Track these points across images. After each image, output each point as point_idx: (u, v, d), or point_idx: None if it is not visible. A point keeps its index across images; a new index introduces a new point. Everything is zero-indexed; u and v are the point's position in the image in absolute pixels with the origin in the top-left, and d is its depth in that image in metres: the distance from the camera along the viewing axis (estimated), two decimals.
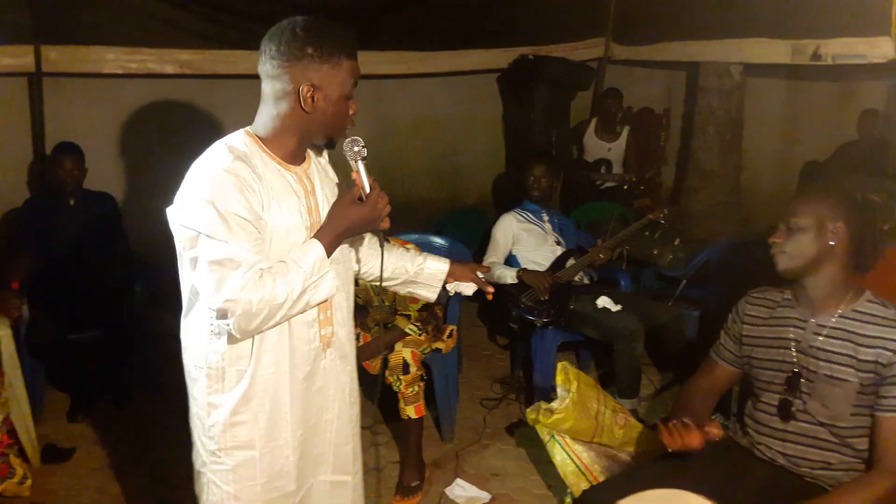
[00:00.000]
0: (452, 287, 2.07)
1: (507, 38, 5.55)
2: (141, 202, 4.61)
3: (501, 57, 5.64)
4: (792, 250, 1.93)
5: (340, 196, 1.69)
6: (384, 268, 1.89)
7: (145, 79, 4.55)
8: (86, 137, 3.87)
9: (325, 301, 1.66)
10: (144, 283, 3.74)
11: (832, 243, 1.89)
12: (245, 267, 1.50)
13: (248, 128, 1.67)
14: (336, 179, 1.85)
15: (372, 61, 5.12)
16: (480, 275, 2.08)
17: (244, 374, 1.64)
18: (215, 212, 1.49)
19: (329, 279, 1.60)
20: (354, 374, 1.91)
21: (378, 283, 1.95)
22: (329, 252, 1.61)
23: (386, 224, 1.66)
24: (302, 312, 1.62)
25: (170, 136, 4.71)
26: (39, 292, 3.49)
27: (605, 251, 3.68)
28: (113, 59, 4.36)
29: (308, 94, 1.57)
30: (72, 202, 3.68)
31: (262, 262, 1.54)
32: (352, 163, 1.64)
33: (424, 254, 2.06)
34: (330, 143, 1.72)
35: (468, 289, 2.09)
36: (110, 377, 3.70)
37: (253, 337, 1.60)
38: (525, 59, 5.53)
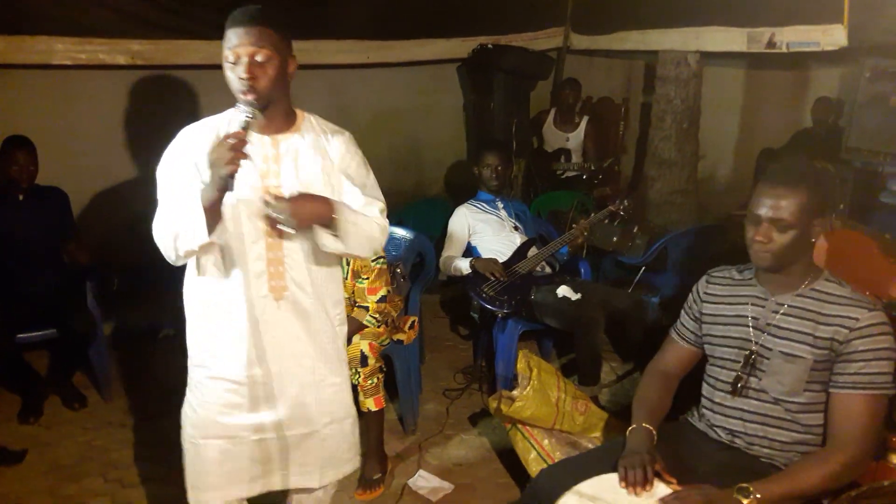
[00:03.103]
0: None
1: (466, 27, 5.52)
2: (93, 197, 4.51)
3: (461, 46, 5.61)
4: (778, 250, 1.90)
5: None
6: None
7: (96, 70, 4.43)
8: (34, 131, 3.73)
9: (207, 246, 1.79)
10: (97, 281, 3.65)
11: (814, 241, 1.91)
12: (162, 208, 1.85)
13: None
14: (338, 157, 2.00)
15: (330, 50, 5.06)
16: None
17: (204, 302, 1.94)
18: (161, 163, 1.90)
19: (194, 225, 1.75)
20: (328, 335, 2.05)
21: None
22: (204, 199, 1.73)
23: (227, 170, 1.68)
24: (194, 251, 1.80)
25: (122, 129, 4.61)
26: None
27: (582, 230, 3.71)
28: (62, 49, 4.22)
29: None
30: (21, 198, 3.56)
31: (175, 206, 1.80)
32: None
33: None
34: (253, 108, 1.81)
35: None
36: (62, 378, 3.61)
37: (217, 272, 1.90)
38: (485, 48, 5.51)
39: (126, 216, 4.61)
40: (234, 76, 1.79)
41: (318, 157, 1.96)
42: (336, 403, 2.11)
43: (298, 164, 1.92)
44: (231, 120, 1.89)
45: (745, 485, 1.75)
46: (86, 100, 4.57)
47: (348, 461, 2.19)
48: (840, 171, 4.09)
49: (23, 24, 4.08)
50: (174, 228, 1.78)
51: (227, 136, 1.70)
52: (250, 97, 1.78)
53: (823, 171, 1.99)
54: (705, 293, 2.15)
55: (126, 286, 3.53)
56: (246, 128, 1.74)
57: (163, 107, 4.53)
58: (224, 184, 1.71)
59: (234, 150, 1.68)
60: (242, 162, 1.74)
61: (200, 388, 1.99)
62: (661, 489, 1.85)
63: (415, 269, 3.72)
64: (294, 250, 1.92)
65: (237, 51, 1.77)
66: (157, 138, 1.99)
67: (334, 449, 2.13)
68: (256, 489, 2.08)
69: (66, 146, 4.48)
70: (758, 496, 1.73)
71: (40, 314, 3.42)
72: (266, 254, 1.89)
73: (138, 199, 4.45)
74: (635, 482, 1.84)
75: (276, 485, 2.09)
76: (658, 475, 1.87)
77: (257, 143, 1.87)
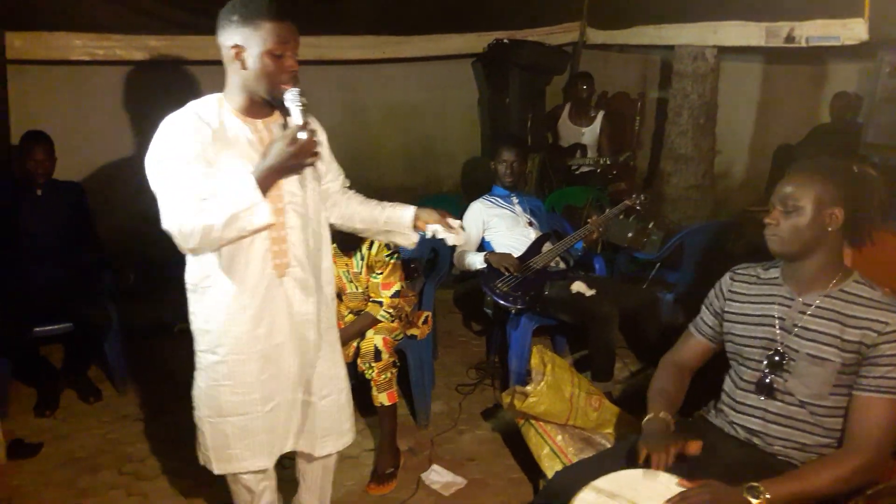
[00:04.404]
0: (431, 231, 2.24)
1: (481, 22, 5.52)
2: (110, 192, 4.54)
3: (476, 41, 5.60)
4: (787, 234, 1.89)
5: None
6: (349, 216, 2.27)
7: (113, 65, 4.46)
8: (52, 126, 3.77)
9: (267, 227, 1.89)
10: (113, 275, 3.67)
11: (830, 229, 1.87)
12: (182, 196, 1.82)
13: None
14: (319, 135, 2.04)
15: (345, 46, 5.07)
16: (451, 222, 2.24)
17: (209, 289, 1.99)
18: (163, 153, 1.86)
19: (262, 208, 1.83)
20: (325, 309, 2.17)
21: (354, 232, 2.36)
22: (262, 184, 1.83)
23: (312, 160, 1.88)
24: (243, 236, 1.88)
25: (139, 124, 4.64)
26: (4, 285, 3.43)
27: (597, 226, 3.68)
28: (80, 45, 4.27)
29: (233, 54, 1.88)
30: (39, 192, 3.59)
31: (200, 191, 1.83)
32: (290, 109, 1.88)
33: (392, 203, 2.30)
34: (274, 99, 1.92)
35: (447, 236, 2.22)
36: (77, 371, 3.64)
37: (218, 259, 1.95)
38: (500, 43, 5.49)
39: (142, 210, 4.61)
40: (279, 67, 1.87)
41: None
42: (331, 378, 2.22)
43: None
44: (207, 105, 1.96)
45: (755, 484, 1.73)
46: (103, 95, 4.62)
47: (347, 432, 2.31)
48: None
49: (41, 21, 4.12)
50: (222, 215, 1.81)
51: (301, 128, 1.83)
52: (295, 86, 1.89)
53: (859, 171, 1.93)
54: (729, 291, 2.11)
55: (141, 280, 3.56)
56: (306, 118, 1.87)
57: (180, 103, 4.51)
58: (299, 171, 1.92)
59: (313, 143, 1.85)
60: (243, 148, 1.92)
61: (211, 371, 2.06)
62: (673, 484, 1.83)
63: (429, 264, 3.72)
64: (294, 230, 2.02)
65: (287, 46, 1.87)
66: None
67: (332, 421, 2.24)
68: (275, 455, 2.18)
69: (83, 141, 4.52)
70: (767, 496, 1.71)
71: (56, 308, 3.44)
72: (270, 233, 1.98)
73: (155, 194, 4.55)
74: (659, 462, 1.84)
75: (289, 447, 2.21)
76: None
77: (250, 126, 1.97)
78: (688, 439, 1.90)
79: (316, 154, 1.88)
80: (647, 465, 1.87)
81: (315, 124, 2.08)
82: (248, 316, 2.00)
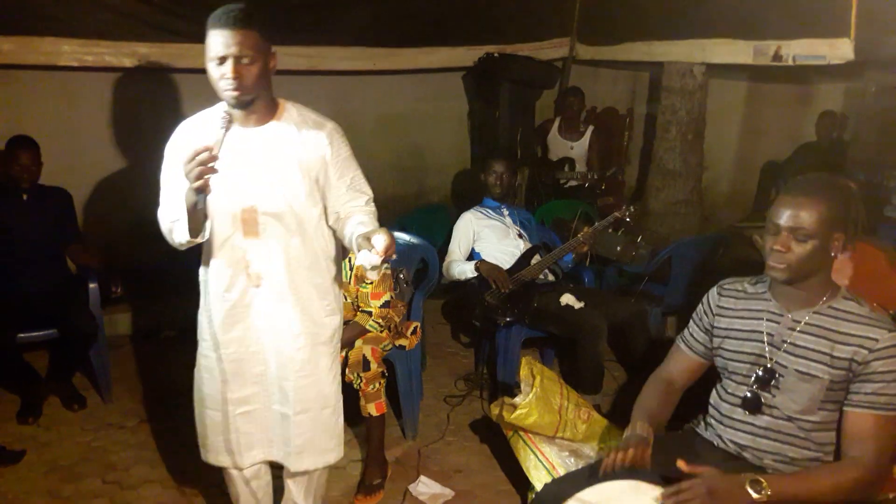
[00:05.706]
0: (359, 263, 1.82)
1: (472, 36, 5.54)
2: (97, 199, 4.52)
3: (467, 55, 5.62)
4: (796, 261, 1.84)
5: None
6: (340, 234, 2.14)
7: (102, 72, 4.44)
8: (39, 131, 3.74)
9: (191, 243, 1.96)
10: (99, 282, 3.64)
11: (833, 255, 1.86)
12: (161, 201, 2.03)
13: None
14: (323, 150, 2.05)
15: (336, 57, 5.08)
16: (374, 241, 1.77)
17: (204, 284, 2.13)
18: (165, 157, 2.04)
19: (179, 225, 1.93)
20: (310, 325, 2.15)
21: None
22: (187, 202, 1.85)
23: (197, 185, 1.77)
24: (188, 243, 1.95)
25: (127, 131, 4.62)
26: None
27: (587, 237, 3.68)
28: (69, 51, 4.23)
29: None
30: (25, 197, 3.56)
31: (164, 199, 2.02)
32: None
33: (356, 222, 2.01)
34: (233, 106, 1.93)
35: (365, 259, 1.78)
36: (61, 378, 3.60)
37: (204, 260, 2.10)
38: (490, 57, 5.53)
39: (129, 218, 4.62)
40: (219, 75, 1.86)
41: (295, 148, 2.02)
42: (312, 394, 2.18)
43: (274, 153, 2.00)
44: (213, 119, 1.95)
45: (758, 478, 1.73)
46: (91, 101, 4.59)
47: (329, 451, 2.26)
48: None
49: (30, 26, 4.09)
50: (168, 224, 1.99)
51: (198, 152, 1.75)
52: (235, 94, 1.86)
53: (846, 187, 1.93)
54: (717, 306, 2.10)
55: (128, 287, 3.53)
56: (222, 137, 1.84)
57: (168, 110, 4.53)
58: (196, 197, 1.82)
59: (202, 165, 1.75)
60: (232, 152, 1.91)
61: (200, 361, 2.20)
62: (659, 495, 1.83)
63: (418, 274, 3.72)
64: (273, 241, 2.04)
65: (223, 53, 1.82)
66: (162, 141, 2.05)
67: (309, 437, 2.20)
68: (247, 461, 2.23)
69: (70, 147, 4.49)
70: (769, 493, 1.70)
71: (41, 314, 3.41)
72: (244, 243, 2.04)
73: (141, 201, 4.47)
74: (613, 459, 1.90)
75: (267, 456, 2.25)
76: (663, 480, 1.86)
77: (238, 137, 1.97)
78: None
79: (201, 181, 1.76)
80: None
81: (336, 140, 2.06)
82: (219, 318, 2.10)
